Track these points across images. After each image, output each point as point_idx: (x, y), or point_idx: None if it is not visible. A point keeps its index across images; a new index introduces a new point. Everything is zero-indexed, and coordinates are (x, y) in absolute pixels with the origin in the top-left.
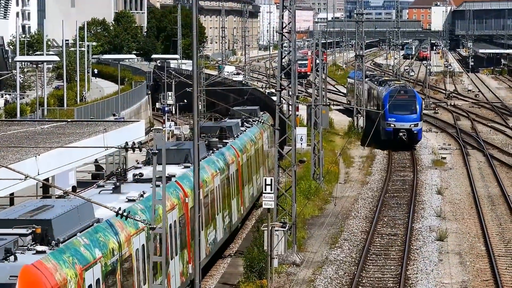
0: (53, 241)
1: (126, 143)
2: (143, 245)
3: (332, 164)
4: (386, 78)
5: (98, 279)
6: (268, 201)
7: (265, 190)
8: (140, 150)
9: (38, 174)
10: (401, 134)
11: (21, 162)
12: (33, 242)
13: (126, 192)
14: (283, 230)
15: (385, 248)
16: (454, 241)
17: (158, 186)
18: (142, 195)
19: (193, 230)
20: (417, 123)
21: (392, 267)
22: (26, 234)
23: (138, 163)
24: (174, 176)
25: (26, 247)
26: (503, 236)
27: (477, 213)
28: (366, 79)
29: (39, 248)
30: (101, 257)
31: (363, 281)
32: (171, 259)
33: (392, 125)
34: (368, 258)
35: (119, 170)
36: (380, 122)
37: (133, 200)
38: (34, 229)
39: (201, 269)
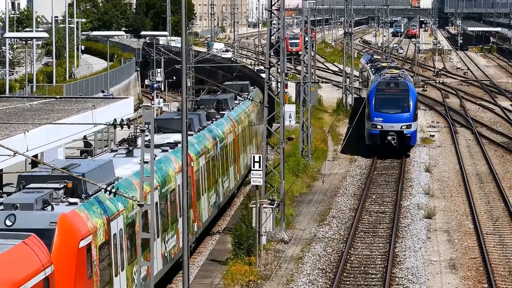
0: (83, 194)
1: (115, 119)
2: (156, 202)
3: (320, 141)
4: (384, 64)
5: (121, 229)
6: (257, 178)
7: (254, 167)
8: (129, 127)
9: (27, 151)
10: (389, 137)
11: (10, 138)
12: (65, 195)
13: (139, 156)
14: (271, 207)
15: (373, 226)
16: (442, 218)
17: (167, 151)
18: (153, 158)
19: (183, 207)
20: (410, 124)
21: (380, 244)
22: (59, 188)
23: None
24: (180, 142)
25: (60, 199)
26: (491, 214)
27: (465, 191)
28: (369, 64)
29: (72, 200)
30: (123, 210)
31: (351, 258)
32: (180, 217)
33: (378, 127)
34: (356, 236)
35: (131, 136)
36: (364, 123)
37: (146, 162)
38: (66, 184)
39: (204, 228)
